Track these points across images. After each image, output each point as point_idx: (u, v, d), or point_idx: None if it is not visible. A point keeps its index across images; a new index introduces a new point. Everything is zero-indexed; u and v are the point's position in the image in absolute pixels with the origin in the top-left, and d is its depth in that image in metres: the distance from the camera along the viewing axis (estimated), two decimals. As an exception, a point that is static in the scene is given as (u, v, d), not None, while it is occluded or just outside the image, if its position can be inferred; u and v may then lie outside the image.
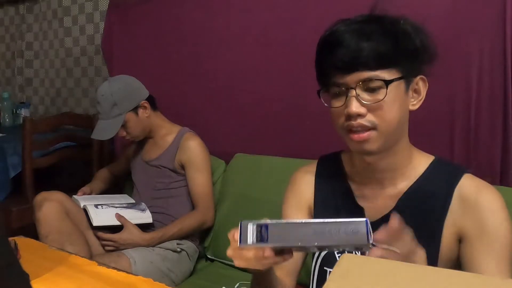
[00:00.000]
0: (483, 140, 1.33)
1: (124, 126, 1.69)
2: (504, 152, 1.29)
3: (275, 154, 1.74)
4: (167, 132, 1.78)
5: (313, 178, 0.94)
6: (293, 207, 0.94)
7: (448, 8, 1.34)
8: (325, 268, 0.89)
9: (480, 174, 0.82)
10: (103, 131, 1.70)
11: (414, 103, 0.81)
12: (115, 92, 1.67)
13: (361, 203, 0.86)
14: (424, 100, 0.82)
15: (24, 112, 3.03)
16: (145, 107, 1.72)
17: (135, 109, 1.70)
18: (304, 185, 0.94)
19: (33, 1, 3.14)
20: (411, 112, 0.82)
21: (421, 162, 0.84)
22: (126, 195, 1.90)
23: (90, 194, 1.85)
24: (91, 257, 1.47)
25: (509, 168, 1.28)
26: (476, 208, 0.77)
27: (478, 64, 1.31)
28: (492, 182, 0.81)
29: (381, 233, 0.62)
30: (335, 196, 0.90)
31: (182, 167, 1.73)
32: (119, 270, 0.90)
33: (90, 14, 2.77)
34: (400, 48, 0.75)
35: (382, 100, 0.75)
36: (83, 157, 2.32)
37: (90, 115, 2.37)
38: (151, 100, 1.76)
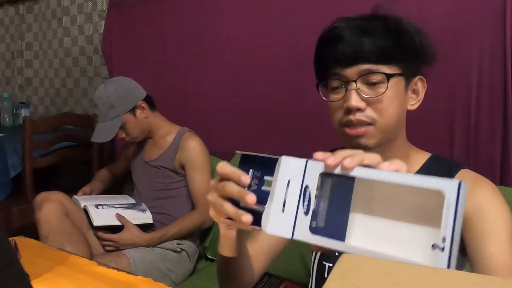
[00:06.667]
0: (483, 140, 1.33)
1: (122, 127, 1.69)
2: (504, 152, 1.29)
3: (275, 154, 1.73)
4: (167, 132, 1.78)
5: None
6: None
7: (448, 9, 1.34)
8: (323, 262, 0.89)
9: (480, 174, 0.82)
10: (102, 134, 1.70)
11: (413, 103, 0.81)
12: (111, 94, 1.67)
13: None
14: (425, 100, 0.82)
15: (24, 112, 3.03)
16: (142, 108, 1.72)
17: (132, 110, 1.70)
18: None
19: (33, 1, 3.13)
20: (410, 112, 0.82)
21: (417, 159, 0.84)
22: (126, 195, 1.90)
23: (90, 194, 1.86)
24: (91, 257, 1.47)
25: (509, 168, 1.29)
26: (472, 197, 0.76)
27: (478, 64, 1.31)
28: (492, 182, 0.81)
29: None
30: None
31: (182, 167, 1.73)
32: (119, 270, 0.90)
33: (88, 14, 2.76)
34: (401, 46, 0.76)
35: (382, 94, 0.75)
36: (83, 157, 2.32)
37: (90, 115, 2.37)
38: (148, 100, 1.76)
